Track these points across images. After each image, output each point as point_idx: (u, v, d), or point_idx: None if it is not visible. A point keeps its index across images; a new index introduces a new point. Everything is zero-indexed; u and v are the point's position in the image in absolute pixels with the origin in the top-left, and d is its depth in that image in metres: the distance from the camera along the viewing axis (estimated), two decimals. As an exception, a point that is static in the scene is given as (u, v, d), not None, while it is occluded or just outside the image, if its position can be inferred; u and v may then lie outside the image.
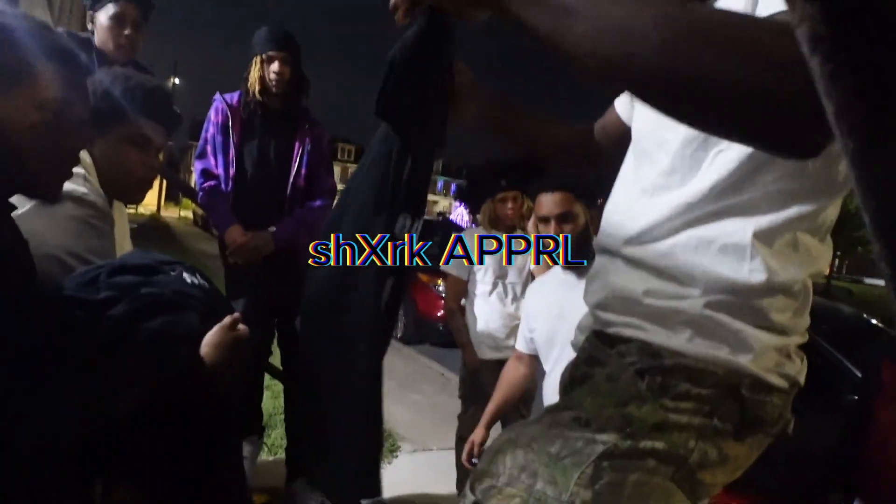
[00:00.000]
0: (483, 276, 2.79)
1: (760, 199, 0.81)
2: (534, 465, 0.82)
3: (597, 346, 0.91)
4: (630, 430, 0.81)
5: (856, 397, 2.96)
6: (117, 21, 2.18)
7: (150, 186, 1.51)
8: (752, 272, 0.81)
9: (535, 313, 1.99)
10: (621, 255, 0.91)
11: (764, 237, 0.81)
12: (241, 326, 1.05)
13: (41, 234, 1.16)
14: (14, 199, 1.04)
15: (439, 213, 50.77)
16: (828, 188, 0.82)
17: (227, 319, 1.03)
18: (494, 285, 2.77)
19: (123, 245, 1.59)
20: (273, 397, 3.71)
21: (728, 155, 0.80)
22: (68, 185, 1.27)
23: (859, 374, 3.11)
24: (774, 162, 0.79)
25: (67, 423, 0.78)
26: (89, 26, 2.24)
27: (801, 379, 0.89)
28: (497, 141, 1.17)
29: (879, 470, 2.43)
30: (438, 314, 6.81)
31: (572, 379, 0.94)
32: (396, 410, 4.28)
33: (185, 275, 1.08)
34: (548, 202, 1.83)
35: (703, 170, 0.83)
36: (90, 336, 0.92)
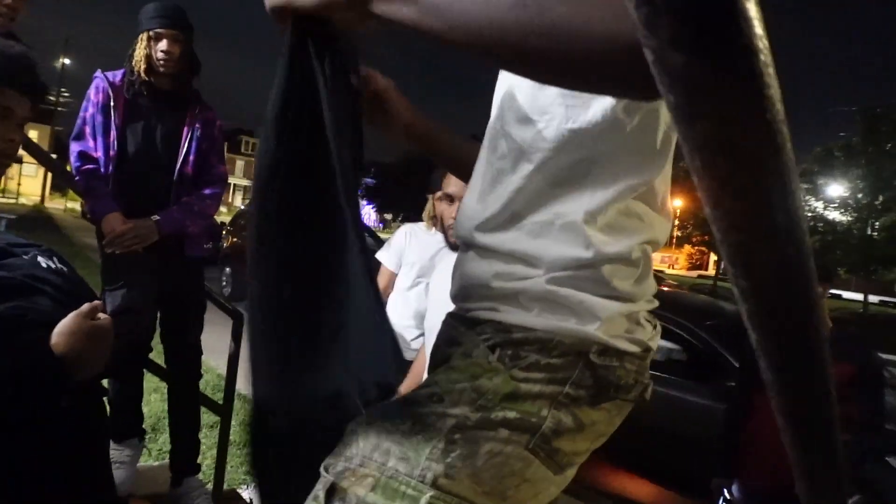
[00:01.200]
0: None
1: (587, 180, 0.87)
2: (385, 443, 0.81)
3: (453, 326, 0.93)
4: (481, 401, 0.82)
5: (735, 386, 3.16)
6: None
7: (10, 160, 1.37)
8: (587, 247, 0.85)
9: (433, 301, 1.97)
10: (474, 244, 0.94)
11: (593, 214, 0.86)
12: (101, 315, 0.96)
13: None
14: None
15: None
16: (649, 159, 0.88)
17: (85, 307, 0.94)
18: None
19: None
20: (162, 400, 3.51)
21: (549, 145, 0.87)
22: None
23: (738, 366, 3.34)
24: (593, 145, 0.85)
25: None
26: None
27: (653, 344, 0.93)
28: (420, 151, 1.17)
29: (755, 453, 2.60)
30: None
31: (433, 362, 0.96)
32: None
33: (39, 258, 0.98)
34: (458, 180, 1.80)
35: (533, 155, 0.88)
36: None
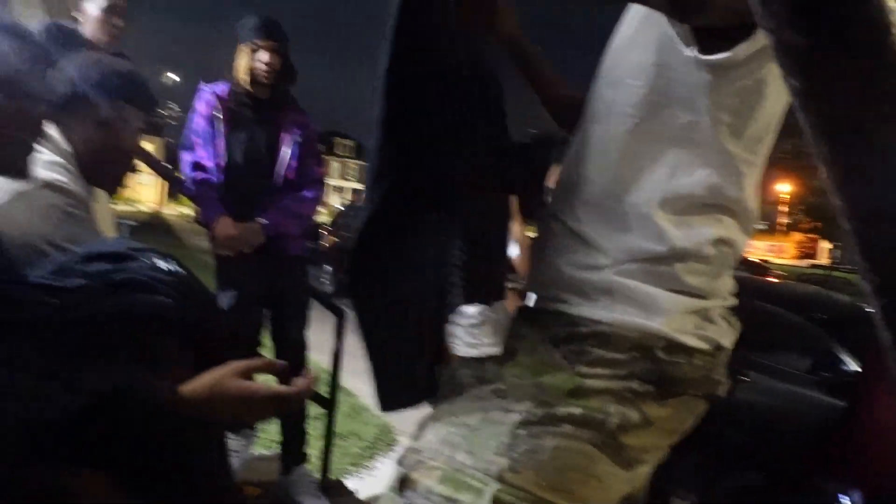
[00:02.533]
0: None
1: (664, 167, 0.85)
2: (454, 437, 0.85)
3: (519, 321, 0.95)
4: (545, 397, 0.83)
5: (857, 384, 2.94)
6: (108, 11, 2.17)
7: (127, 169, 1.49)
8: (658, 240, 0.84)
9: None
10: (557, 217, 0.95)
11: (667, 204, 0.85)
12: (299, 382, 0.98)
13: (20, 223, 1.16)
14: None
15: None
16: (726, 163, 0.86)
17: (241, 364, 0.97)
18: None
19: (106, 233, 1.58)
20: (269, 391, 3.70)
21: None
22: (47, 174, 1.26)
23: (854, 363, 3.10)
24: (677, 130, 0.84)
25: (31, 408, 0.75)
26: (77, 16, 2.22)
27: (727, 342, 0.91)
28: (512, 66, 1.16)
29: (884, 459, 2.41)
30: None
31: (499, 356, 0.97)
32: (394, 404, 4.27)
33: (157, 261, 1.06)
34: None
35: (616, 119, 0.89)
36: (59, 318, 0.90)
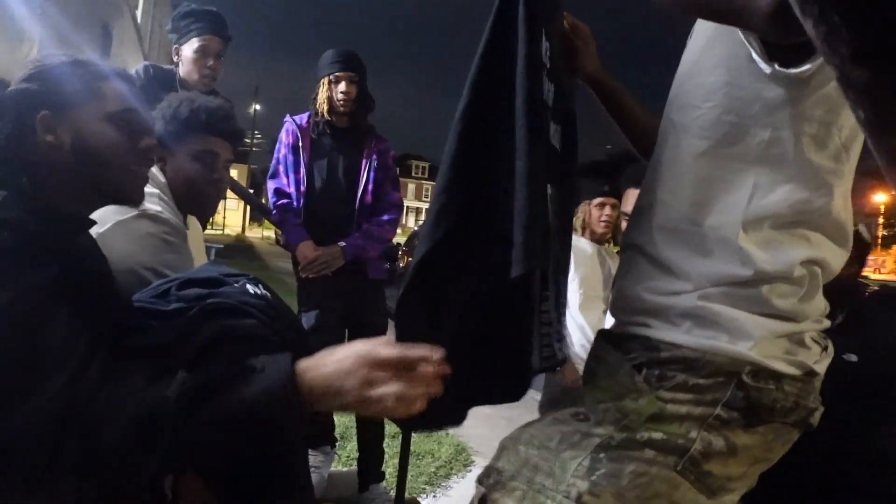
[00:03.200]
0: (575, 287, 2.66)
1: (744, 187, 0.83)
2: (534, 458, 0.85)
3: (601, 344, 0.94)
4: (626, 422, 0.82)
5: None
6: (201, 53, 2.33)
7: (218, 198, 1.60)
8: (743, 264, 0.81)
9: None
10: (634, 245, 0.94)
11: (750, 226, 0.82)
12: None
13: (121, 250, 1.26)
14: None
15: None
16: (812, 176, 0.83)
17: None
18: (586, 297, 2.67)
19: (198, 258, 1.69)
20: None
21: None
22: (145, 204, 1.36)
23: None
24: (755, 147, 0.82)
25: (132, 416, 0.81)
26: (175, 59, 2.40)
27: (820, 367, 0.87)
28: (607, 111, 1.20)
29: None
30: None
31: (583, 378, 0.97)
32: (469, 424, 4.24)
33: (248, 286, 1.13)
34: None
35: (690, 143, 0.88)
36: (158, 339, 0.98)
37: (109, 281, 1.09)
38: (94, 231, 1.19)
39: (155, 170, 1.46)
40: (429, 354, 0.83)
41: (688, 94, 0.89)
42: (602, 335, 0.96)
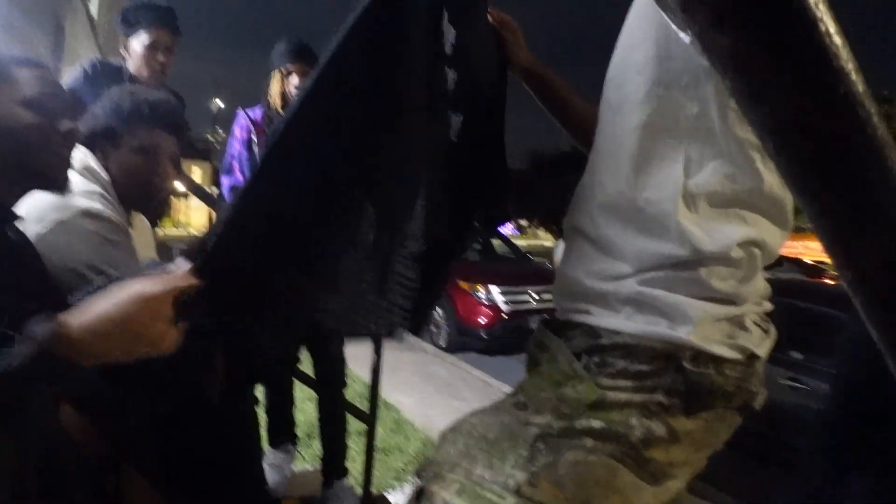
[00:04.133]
0: None
1: (677, 162, 0.82)
2: (473, 450, 0.84)
3: (543, 331, 0.93)
4: (565, 409, 0.81)
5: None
6: (151, 48, 2.26)
7: (165, 194, 1.55)
8: (681, 243, 0.81)
9: None
10: (574, 227, 0.93)
11: (687, 204, 0.81)
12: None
13: (61, 249, 1.23)
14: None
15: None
16: (738, 151, 0.82)
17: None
18: None
19: (148, 256, 1.64)
20: (316, 408, 3.76)
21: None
22: (86, 203, 1.32)
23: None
24: (684, 121, 0.81)
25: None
26: (123, 53, 2.33)
27: (762, 350, 0.86)
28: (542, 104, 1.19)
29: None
30: (479, 321, 6.80)
31: (527, 366, 0.96)
32: (437, 417, 4.27)
33: None
34: None
35: (625, 118, 0.87)
36: None
37: (39, 277, 1.06)
38: (34, 231, 1.16)
39: (97, 166, 1.42)
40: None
41: (623, 70, 0.89)
42: (544, 323, 0.96)
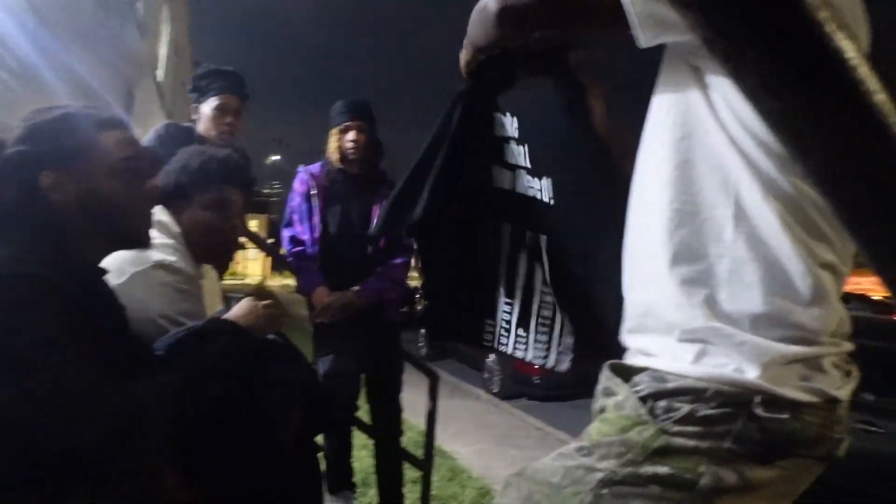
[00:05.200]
0: None
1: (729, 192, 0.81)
2: (536, 495, 0.83)
3: (610, 377, 0.90)
4: (630, 455, 0.79)
5: None
6: (219, 111, 2.39)
7: (234, 246, 1.63)
8: (746, 273, 0.78)
9: None
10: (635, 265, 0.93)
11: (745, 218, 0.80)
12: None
13: (139, 300, 1.30)
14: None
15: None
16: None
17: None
18: None
19: (214, 305, 1.73)
20: (370, 455, 3.77)
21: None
22: (160, 255, 1.41)
23: None
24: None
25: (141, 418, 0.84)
26: (193, 116, 2.47)
27: (843, 393, 0.81)
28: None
29: None
30: (535, 367, 6.73)
31: (594, 412, 0.93)
32: (495, 466, 4.21)
33: None
34: None
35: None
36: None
37: (126, 328, 1.13)
38: (114, 282, 1.24)
39: (170, 220, 1.50)
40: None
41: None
42: (612, 368, 0.92)
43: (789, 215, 0.79)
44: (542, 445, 4.85)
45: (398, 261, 2.61)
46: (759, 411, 0.76)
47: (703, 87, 0.83)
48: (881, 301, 10.81)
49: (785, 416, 0.77)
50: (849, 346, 0.84)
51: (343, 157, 2.58)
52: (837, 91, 0.32)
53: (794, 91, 0.32)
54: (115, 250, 1.17)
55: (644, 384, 0.83)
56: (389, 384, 2.60)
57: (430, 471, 2.85)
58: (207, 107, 2.39)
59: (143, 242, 1.18)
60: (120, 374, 0.89)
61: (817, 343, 0.80)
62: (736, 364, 0.78)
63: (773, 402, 0.77)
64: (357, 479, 2.99)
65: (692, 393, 0.79)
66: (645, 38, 0.82)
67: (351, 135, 2.55)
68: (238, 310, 1.23)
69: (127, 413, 0.82)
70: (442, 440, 2.87)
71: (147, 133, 2.43)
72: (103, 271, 1.11)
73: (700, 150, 0.83)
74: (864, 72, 0.33)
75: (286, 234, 2.65)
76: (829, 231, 0.81)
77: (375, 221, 2.30)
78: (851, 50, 0.32)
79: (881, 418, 2.96)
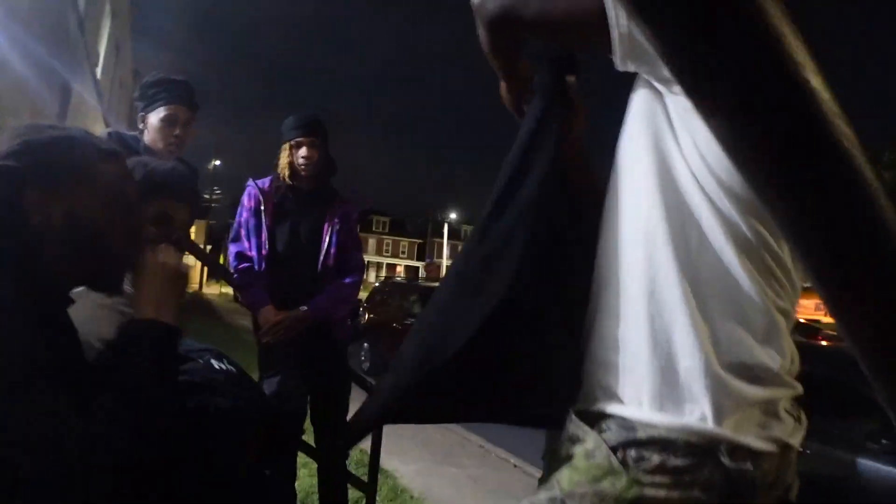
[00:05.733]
0: None
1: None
2: None
3: (577, 424, 0.91)
4: None
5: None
6: (167, 122, 2.29)
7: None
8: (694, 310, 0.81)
9: None
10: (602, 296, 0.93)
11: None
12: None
13: (76, 322, 1.24)
14: None
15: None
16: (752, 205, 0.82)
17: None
18: None
19: None
20: (310, 475, 3.69)
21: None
22: None
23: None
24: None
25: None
26: (140, 125, 2.36)
27: (795, 440, 0.85)
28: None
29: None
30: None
31: (557, 459, 0.93)
32: (435, 484, 4.20)
33: (212, 361, 1.13)
34: None
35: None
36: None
37: (83, 360, 1.07)
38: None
39: None
40: None
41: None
42: (577, 413, 0.93)
43: (747, 256, 0.82)
44: (484, 464, 4.86)
45: (348, 280, 2.58)
46: (725, 461, 0.79)
47: (670, 121, 0.86)
48: (807, 324, 11.40)
49: (748, 465, 0.80)
50: (799, 388, 0.88)
51: (294, 172, 2.54)
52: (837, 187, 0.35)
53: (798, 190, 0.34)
54: (83, 286, 1.09)
55: (613, 433, 0.84)
56: (337, 406, 2.56)
57: (374, 494, 2.82)
58: (155, 117, 2.30)
59: (115, 287, 1.10)
60: (79, 409, 0.84)
61: (773, 384, 0.83)
62: (700, 410, 0.80)
63: (736, 450, 0.80)
64: (298, 499, 2.93)
65: (662, 443, 0.80)
66: (622, 60, 0.84)
67: (303, 150, 2.52)
68: (150, 291, 1.06)
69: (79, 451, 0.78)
70: (383, 458, 2.84)
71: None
72: (70, 301, 1.05)
73: (665, 179, 0.86)
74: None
75: (233, 249, 2.58)
76: (782, 276, 0.85)
77: None
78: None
79: (808, 440, 3.09)
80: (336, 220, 2.57)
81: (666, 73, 0.82)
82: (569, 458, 0.89)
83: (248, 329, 2.56)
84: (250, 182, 2.61)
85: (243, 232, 2.57)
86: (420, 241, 69.07)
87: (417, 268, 64.55)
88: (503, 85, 1.09)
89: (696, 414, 0.80)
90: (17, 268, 0.92)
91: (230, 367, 1.15)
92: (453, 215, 57.27)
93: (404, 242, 70.56)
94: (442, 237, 51.38)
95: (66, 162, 1.00)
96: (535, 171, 0.99)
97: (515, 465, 4.92)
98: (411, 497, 3.91)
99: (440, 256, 54.05)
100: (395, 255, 67.81)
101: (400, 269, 64.60)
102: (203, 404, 1.00)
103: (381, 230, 68.24)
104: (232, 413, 1.03)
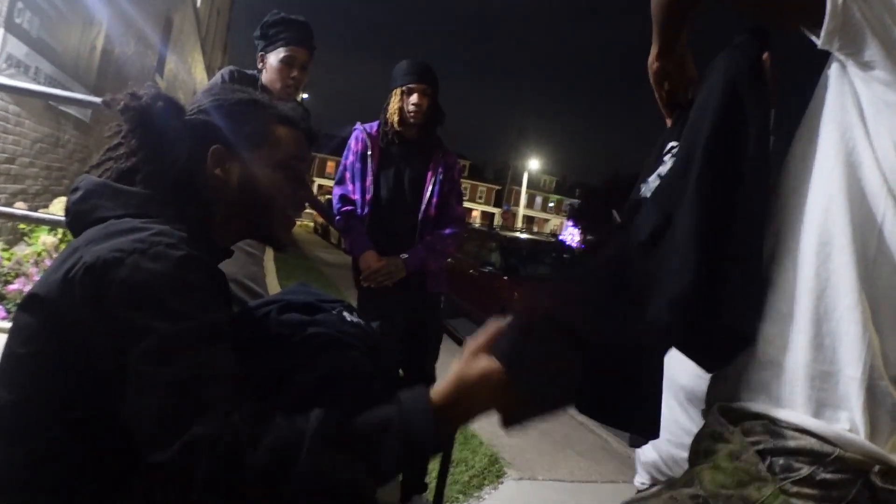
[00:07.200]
0: None
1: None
2: None
3: (721, 422, 0.89)
4: None
5: None
6: (287, 63, 2.33)
7: (305, 202, 1.63)
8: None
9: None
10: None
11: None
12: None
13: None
14: None
15: (550, 233, 50.06)
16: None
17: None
18: None
19: (268, 267, 1.71)
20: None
21: None
22: None
23: None
24: None
25: (269, 447, 0.80)
26: (259, 65, 2.40)
27: None
28: None
29: None
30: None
31: (696, 453, 0.92)
32: (502, 436, 4.27)
33: (344, 313, 1.15)
34: None
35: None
36: (273, 369, 1.00)
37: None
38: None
39: None
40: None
41: None
42: (720, 409, 0.90)
43: None
44: (552, 419, 4.90)
45: (448, 231, 2.57)
46: (877, 481, 0.77)
47: (862, 115, 0.81)
48: None
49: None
50: None
51: (403, 119, 2.52)
52: None
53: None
54: (249, 238, 1.15)
55: (761, 437, 0.82)
56: (429, 355, 2.60)
57: (452, 439, 2.89)
58: (274, 57, 2.33)
59: (282, 244, 1.15)
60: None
61: None
62: (857, 423, 0.77)
63: (890, 472, 0.77)
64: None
65: (813, 455, 0.78)
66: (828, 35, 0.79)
67: (414, 98, 2.49)
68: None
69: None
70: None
71: (188, 64, 2.38)
72: (230, 254, 1.11)
73: (851, 179, 0.82)
74: None
75: (337, 191, 2.61)
76: None
77: None
78: None
79: None
80: (441, 170, 2.56)
81: (872, 56, 0.78)
82: (709, 453, 0.88)
83: (327, 262, 2.60)
84: (358, 126, 2.61)
85: (348, 175, 2.59)
86: (498, 186, 68.44)
87: (493, 214, 64.32)
88: (654, 52, 1.04)
89: (852, 426, 0.78)
90: (194, 218, 0.97)
91: (360, 320, 1.17)
92: (535, 164, 56.13)
93: (482, 188, 70.08)
94: (520, 185, 50.64)
95: (250, 122, 1.05)
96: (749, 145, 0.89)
97: (581, 423, 4.95)
98: (480, 443, 4.00)
99: (517, 204, 53.53)
100: (472, 200, 67.48)
101: (476, 214, 64.44)
102: (342, 361, 1.02)
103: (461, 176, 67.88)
104: (367, 369, 1.05)
